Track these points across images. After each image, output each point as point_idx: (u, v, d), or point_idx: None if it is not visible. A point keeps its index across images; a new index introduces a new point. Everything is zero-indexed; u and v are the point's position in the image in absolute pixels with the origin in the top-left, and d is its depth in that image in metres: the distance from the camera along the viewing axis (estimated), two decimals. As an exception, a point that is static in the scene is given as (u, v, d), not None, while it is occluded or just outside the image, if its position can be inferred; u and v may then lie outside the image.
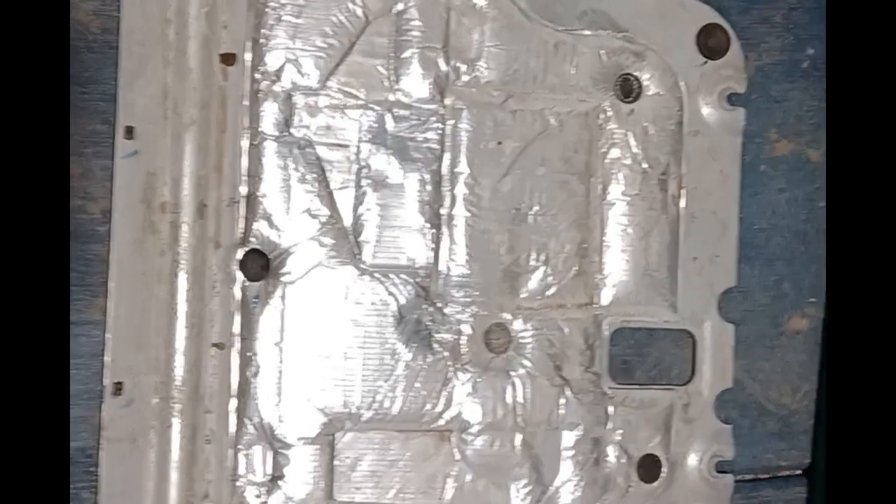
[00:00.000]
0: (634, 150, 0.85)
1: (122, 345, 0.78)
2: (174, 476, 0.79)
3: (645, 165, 0.85)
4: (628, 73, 0.85)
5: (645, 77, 0.85)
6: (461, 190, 0.83)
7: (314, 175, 0.81)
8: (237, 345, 0.80)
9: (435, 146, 0.82)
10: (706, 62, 0.86)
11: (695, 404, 0.86)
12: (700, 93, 0.86)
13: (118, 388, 0.78)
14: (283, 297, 0.80)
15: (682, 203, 0.86)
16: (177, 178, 0.79)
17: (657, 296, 0.85)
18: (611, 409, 0.84)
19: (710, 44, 0.85)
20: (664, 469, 0.85)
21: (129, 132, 0.78)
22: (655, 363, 0.87)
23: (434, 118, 0.82)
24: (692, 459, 0.85)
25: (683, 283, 0.85)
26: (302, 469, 0.80)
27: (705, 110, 0.86)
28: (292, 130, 0.80)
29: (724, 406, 0.87)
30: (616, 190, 0.85)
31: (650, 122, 0.85)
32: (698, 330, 0.86)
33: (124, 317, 0.78)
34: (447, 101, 0.82)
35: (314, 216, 0.81)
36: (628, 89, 0.85)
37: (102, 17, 0.78)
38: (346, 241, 0.81)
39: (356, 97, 0.81)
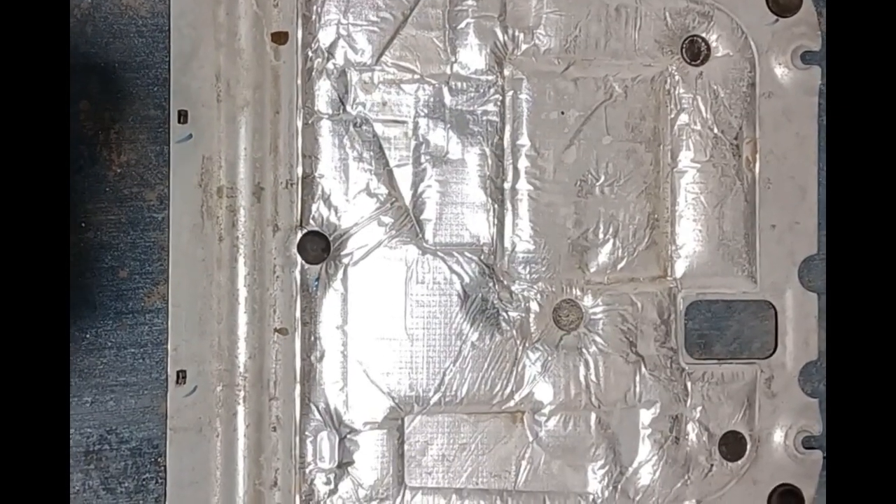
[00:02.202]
0: (704, 114, 0.81)
1: (184, 333, 0.77)
2: (241, 464, 0.78)
3: (716, 130, 0.82)
4: (695, 35, 0.81)
5: (713, 38, 0.81)
6: (523, 163, 0.80)
7: (371, 153, 0.79)
8: (300, 329, 0.78)
9: (495, 119, 0.80)
10: (777, 20, 0.82)
11: (778, 378, 0.82)
12: (772, 52, 0.82)
13: (182, 376, 0.77)
14: (344, 280, 0.78)
15: (758, 168, 0.82)
16: (232, 162, 0.78)
17: (734, 266, 0.82)
18: (689, 385, 0.81)
19: (780, 0, 0.81)
20: (749, 446, 0.81)
21: (183, 116, 0.77)
22: (735, 336, 0.83)
23: (493, 90, 0.80)
24: (777, 435, 0.81)
25: (762, 251, 0.82)
26: (371, 454, 0.79)
27: (778, 70, 0.82)
28: (347, 108, 0.79)
29: (809, 379, 0.83)
30: (686, 157, 0.82)
31: (720, 85, 0.82)
32: (779, 300, 0.82)
33: (185, 304, 0.78)
34: (506, 72, 0.80)
35: (373, 195, 0.79)
36: (696, 52, 0.82)
37: (151, 0, 0.77)
38: (406, 220, 0.79)
39: (412, 71, 0.79)
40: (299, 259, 0.78)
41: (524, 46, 0.80)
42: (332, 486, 0.78)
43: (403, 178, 0.79)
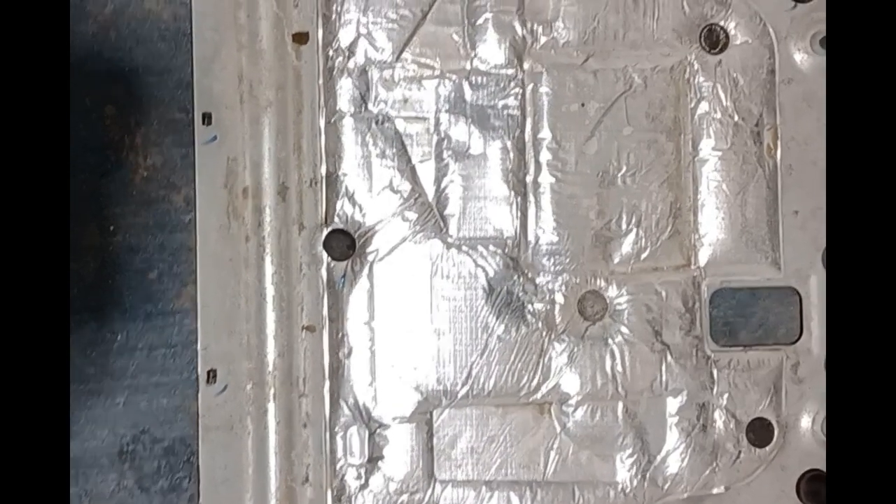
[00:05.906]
0: (725, 102, 0.82)
1: (213, 332, 0.78)
2: (273, 461, 0.79)
3: (737, 118, 0.82)
4: (713, 23, 0.81)
5: (731, 26, 0.81)
6: (545, 156, 0.80)
7: (394, 150, 0.79)
8: (327, 326, 0.79)
9: (515, 112, 0.80)
10: (795, 5, 0.82)
11: (805, 363, 0.82)
12: (791, 38, 0.82)
13: (212, 375, 0.78)
14: (370, 276, 0.79)
15: (779, 155, 0.82)
16: (257, 162, 0.79)
17: (758, 253, 0.82)
18: (715, 372, 0.81)
19: (799, -15, 0.82)
20: (776, 432, 0.81)
21: (207, 118, 0.78)
22: (760, 323, 0.83)
23: (513, 84, 0.80)
24: (805, 421, 0.81)
25: (785, 238, 0.82)
26: (400, 449, 0.79)
27: (798, 56, 0.82)
28: (369, 106, 0.79)
29: (836, 364, 0.83)
30: (707, 145, 0.82)
31: (739, 73, 0.82)
32: (804, 286, 0.82)
33: (214, 304, 0.78)
34: (525, 66, 0.80)
35: (396, 192, 0.79)
36: (714, 40, 0.82)
37: (173, 4, 0.78)
38: (430, 215, 0.80)
39: (432, 67, 0.80)
40: (325, 257, 0.79)
41: (543, 39, 0.80)
42: (362, 481, 0.79)
43: (426, 173, 0.80)
